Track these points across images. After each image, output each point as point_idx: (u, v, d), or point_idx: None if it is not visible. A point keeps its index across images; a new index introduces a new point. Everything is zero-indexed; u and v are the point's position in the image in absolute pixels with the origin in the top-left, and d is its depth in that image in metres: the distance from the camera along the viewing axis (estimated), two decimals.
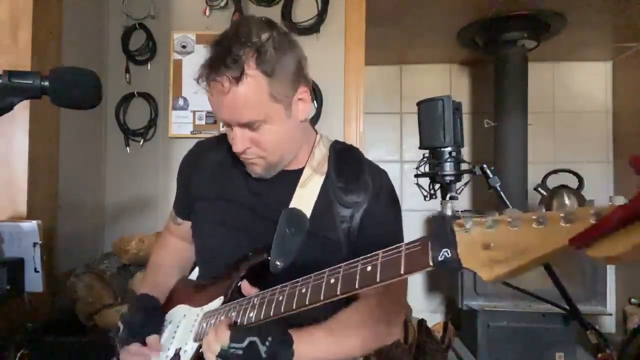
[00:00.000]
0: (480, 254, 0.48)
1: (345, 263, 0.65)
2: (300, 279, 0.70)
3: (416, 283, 3.41)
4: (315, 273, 0.68)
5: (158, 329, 0.94)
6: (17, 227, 1.32)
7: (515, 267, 0.45)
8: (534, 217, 0.45)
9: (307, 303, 0.66)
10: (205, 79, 0.81)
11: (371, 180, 0.91)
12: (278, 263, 0.82)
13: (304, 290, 0.68)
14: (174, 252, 1.10)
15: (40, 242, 1.31)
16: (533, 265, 0.45)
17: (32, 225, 1.32)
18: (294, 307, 0.68)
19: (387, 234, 0.91)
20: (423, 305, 3.37)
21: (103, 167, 2.17)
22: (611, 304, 2.91)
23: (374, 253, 0.61)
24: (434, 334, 2.33)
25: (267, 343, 0.69)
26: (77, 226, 1.92)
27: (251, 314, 0.74)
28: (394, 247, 0.60)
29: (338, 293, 0.63)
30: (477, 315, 2.50)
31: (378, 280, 0.58)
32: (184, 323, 0.91)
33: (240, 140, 0.84)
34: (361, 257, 0.63)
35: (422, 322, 2.32)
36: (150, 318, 0.94)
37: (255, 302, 0.76)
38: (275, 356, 0.70)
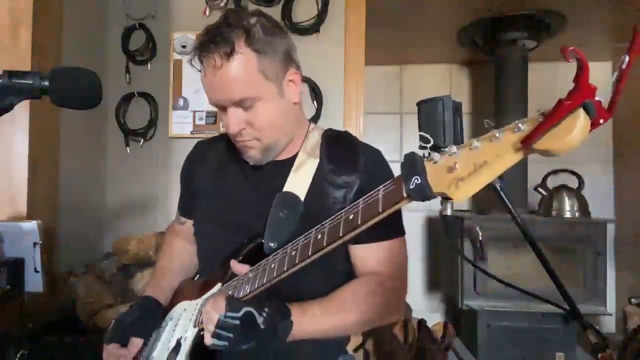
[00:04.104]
0: (447, 176, 0.52)
1: (330, 218, 0.67)
2: (290, 243, 0.72)
3: (416, 283, 3.40)
4: (303, 234, 0.70)
5: (148, 332, 0.94)
6: (17, 227, 1.32)
7: (480, 179, 0.50)
8: (490, 134, 0.50)
9: (297, 262, 0.68)
10: (198, 57, 0.82)
11: (364, 160, 0.90)
12: (272, 244, 0.83)
13: (293, 253, 0.69)
14: (179, 255, 1.10)
15: (40, 242, 1.31)
16: (495, 173, 0.50)
17: (32, 225, 1.32)
18: (285, 269, 0.69)
19: None
20: (423, 305, 3.36)
21: (103, 167, 2.17)
22: (611, 304, 2.90)
23: (356, 202, 0.64)
24: (434, 334, 2.33)
25: (264, 314, 0.70)
26: (77, 226, 1.92)
27: (247, 287, 0.76)
28: (372, 191, 0.62)
29: (324, 245, 0.64)
30: (477, 315, 2.50)
31: (359, 223, 0.60)
32: (184, 316, 0.92)
33: (234, 122, 0.83)
34: (344, 209, 0.65)
35: (422, 322, 2.32)
36: (143, 320, 0.94)
37: (249, 275, 0.78)
38: (274, 327, 0.70)
